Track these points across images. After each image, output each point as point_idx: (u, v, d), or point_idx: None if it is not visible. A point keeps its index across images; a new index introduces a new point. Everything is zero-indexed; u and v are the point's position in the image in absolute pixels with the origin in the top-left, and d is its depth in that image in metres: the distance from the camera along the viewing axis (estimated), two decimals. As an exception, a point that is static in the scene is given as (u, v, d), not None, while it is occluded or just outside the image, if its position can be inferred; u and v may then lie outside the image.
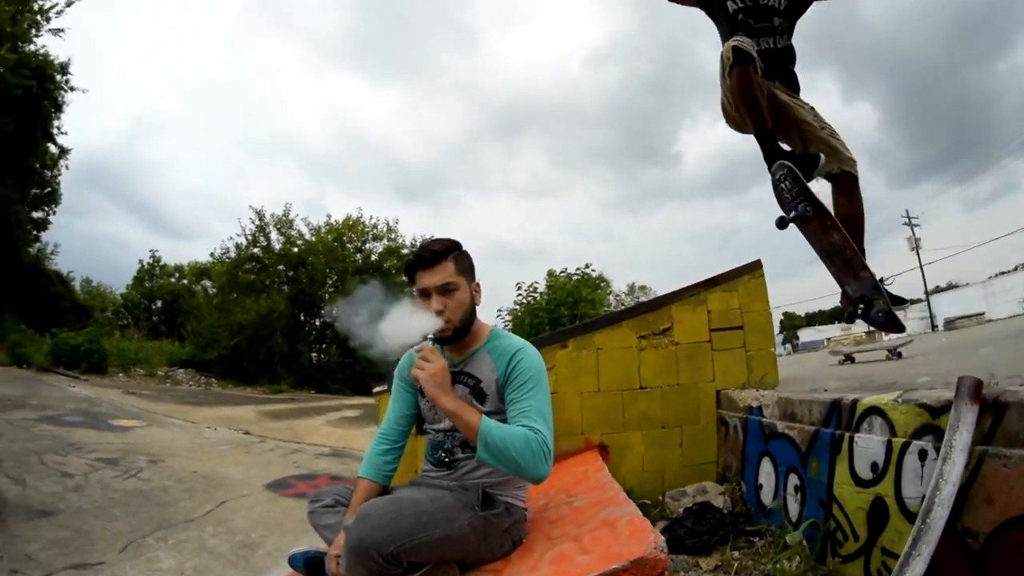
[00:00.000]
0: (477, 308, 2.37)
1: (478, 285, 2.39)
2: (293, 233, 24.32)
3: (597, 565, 1.85)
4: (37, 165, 18.02)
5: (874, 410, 2.47)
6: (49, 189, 19.47)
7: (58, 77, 17.16)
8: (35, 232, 19.42)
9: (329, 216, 26.03)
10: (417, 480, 2.59)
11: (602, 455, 3.88)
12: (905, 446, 2.23)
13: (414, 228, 45.11)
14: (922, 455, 2.15)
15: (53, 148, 18.54)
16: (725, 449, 4.04)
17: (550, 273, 19.01)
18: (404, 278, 2.39)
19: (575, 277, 19.25)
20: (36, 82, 15.64)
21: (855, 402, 2.59)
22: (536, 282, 17.15)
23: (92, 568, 3.09)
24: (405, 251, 24.88)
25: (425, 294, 2.23)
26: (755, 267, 4.41)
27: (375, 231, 25.39)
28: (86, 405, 9.02)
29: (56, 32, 16.48)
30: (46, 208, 19.65)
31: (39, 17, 16.04)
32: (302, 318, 24.12)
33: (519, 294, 16.00)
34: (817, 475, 2.82)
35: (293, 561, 2.78)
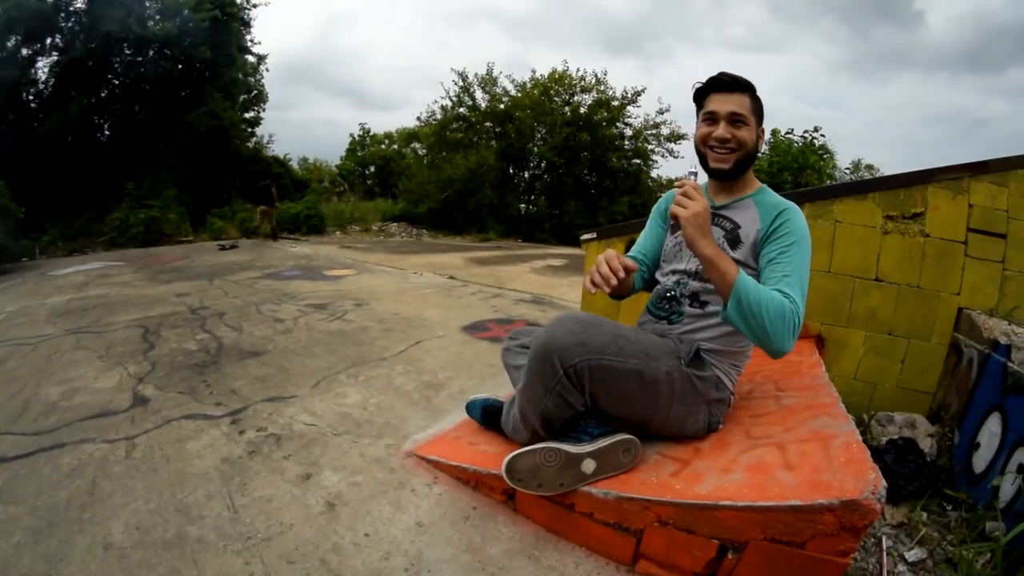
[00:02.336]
0: (758, 155, 2.20)
1: (763, 131, 2.16)
2: (498, 91, 24.30)
3: (801, 491, 1.51)
4: (240, 75, 20.35)
5: None
6: (255, 92, 22.30)
7: (239, 0, 19.12)
8: (249, 130, 22.32)
9: (534, 72, 25.76)
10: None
11: (818, 348, 3.34)
12: None
13: (624, 80, 43.87)
14: None
15: (251, 58, 21.16)
16: (950, 383, 3.25)
17: (774, 133, 17.80)
18: (692, 102, 2.18)
19: (797, 144, 17.97)
20: (219, 11, 17.60)
21: None
22: (757, 141, 16.25)
23: (285, 400, 3.19)
24: (615, 103, 24.13)
25: (712, 119, 2.07)
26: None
27: (583, 83, 24.57)
28: (304, 261, 9.67)
29: None
30: (255, 108, 22.70)
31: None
32: (511, 171, 24.43)
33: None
34: None
35: (471, 408, 2.66)
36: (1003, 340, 2.83)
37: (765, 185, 2.20)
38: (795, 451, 1.78)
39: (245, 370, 3.68)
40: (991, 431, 2.69)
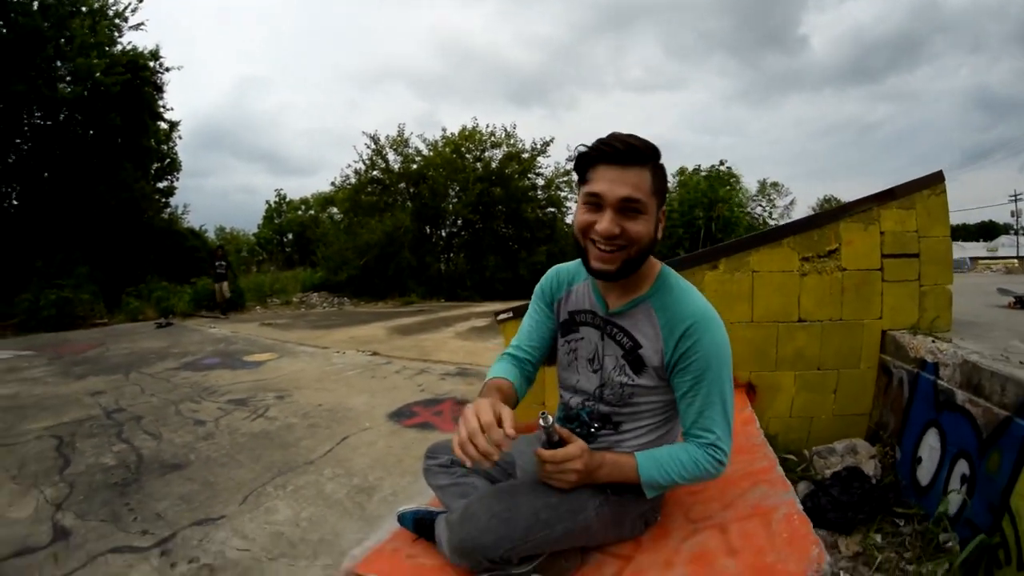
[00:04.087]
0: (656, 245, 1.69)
1: (664, 212, 1.72)
2: (410, 151, 24.82)
3: None
4: (152, 142, 19.91)
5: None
6: (168, 160, 21.62)
7: (151, 64, 18.64)
8: (163, 200, 21.65)
9: (444, 130, 26.25)
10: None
11: (749, 397, 3.48)
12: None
13: (533, 131, 45.26)
14: None
15: (163, 124, 20.48)
16: (884, 403, 3.52)
17: (680, 171, 18.36)
18: (573, 173, 1.75)
19: (703, 174, 18.65)
20: (131, 75, 17.11)
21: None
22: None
23: (214, 523, 3.11)
24: (525, 155, 24.77)
25: (596, 204, 1.58)
26: (936, 180, 3.71)
27: (493, 138, 25.24)
28: (223, 345, 9.50)
29: (137, 27, 18.18)
30: (169, 177, 21.93)
31: (117, 20, 17.74)
32: (427, 230, 24.62)
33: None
34: (995, 473, 2.32)
35: (403, 519, 2.50)
36: (929, 358, 3.06)
37: (665, 269, 1.78)
38: (737, 532, 1.80)
39: (168, 488, 3.58)
40: (930, 446, 2.91)
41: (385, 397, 5.62)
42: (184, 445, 4.36)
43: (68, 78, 16.49)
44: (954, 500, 2.60)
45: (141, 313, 14.75)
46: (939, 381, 2.95)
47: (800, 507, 1.83)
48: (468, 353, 8.14)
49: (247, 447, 4.28)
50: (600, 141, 1.57)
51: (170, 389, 6.24)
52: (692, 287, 1.76)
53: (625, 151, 1.53)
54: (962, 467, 2.61)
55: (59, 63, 16.25)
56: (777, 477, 2.12)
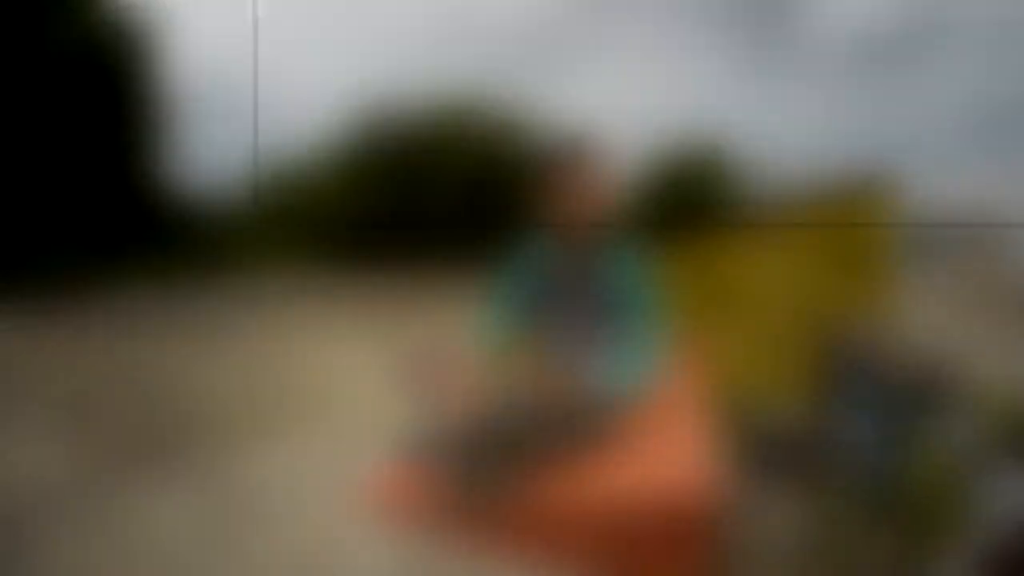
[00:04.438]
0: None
1: (612, 197, 2.33)
2: (404, 118, 24.38)
3: (663, 489, 1.93)
4: (148, 99, 18.70)
5: (978, 392, 2.30)
6: (164, 116, 20.49)
7: (149, 17, 17.74)
8: (159, 159, 20.49)
9: (439, 99, 25.87)
10: None
11: (701, 362, 3.82)
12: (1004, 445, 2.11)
13: (529, 98, 44.67)
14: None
15: (162, 83, 19.24)
16: (827, 375, 3.82)
17: (668, 151, 17.94)
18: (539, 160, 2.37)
19: (688, 154, 18.20)
20: (129, 29, 16.78)
21: (962, 376, 2.42)
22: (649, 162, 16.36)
23: (231, 463, 3.35)
24: (517, 127, 24.68)
25: (570, 189, 2.23)
26: (896, 181, 3.96)
27: (486, 107, 25.05)
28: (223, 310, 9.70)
29: None
30: (165, 135, 20.71)
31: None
32: (415, 202, 24.42)
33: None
34: (905, 438, 2.78)
35: (402, 441, 2.92)
36: (865, 339, 3.49)
37: (614, 240, 2.39)
38: (662, 453, 2.20)
39: (184, 437, 3.80)
40: (861, 413, 3.30)
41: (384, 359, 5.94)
42: (194, 401, 4.59)
43: (62, 32, 15.99)
44: (875, 459, 3.05)
45: (138, 279, 14.76)
46: (870, 358, 3.32)
47: (712, 438, 2.28)
48: (458, 318, 8.57)
49: (255, 403, 4.53)
50: (571, 146, 2.23)
51: (175, 354, 6.40)
52: (633, 253, 2.39)
53: (592, 149, 2.19)
54: (879, 430, 3.04)
55: (52, 16, 15.81)
56: (702, 419, 2.55)
